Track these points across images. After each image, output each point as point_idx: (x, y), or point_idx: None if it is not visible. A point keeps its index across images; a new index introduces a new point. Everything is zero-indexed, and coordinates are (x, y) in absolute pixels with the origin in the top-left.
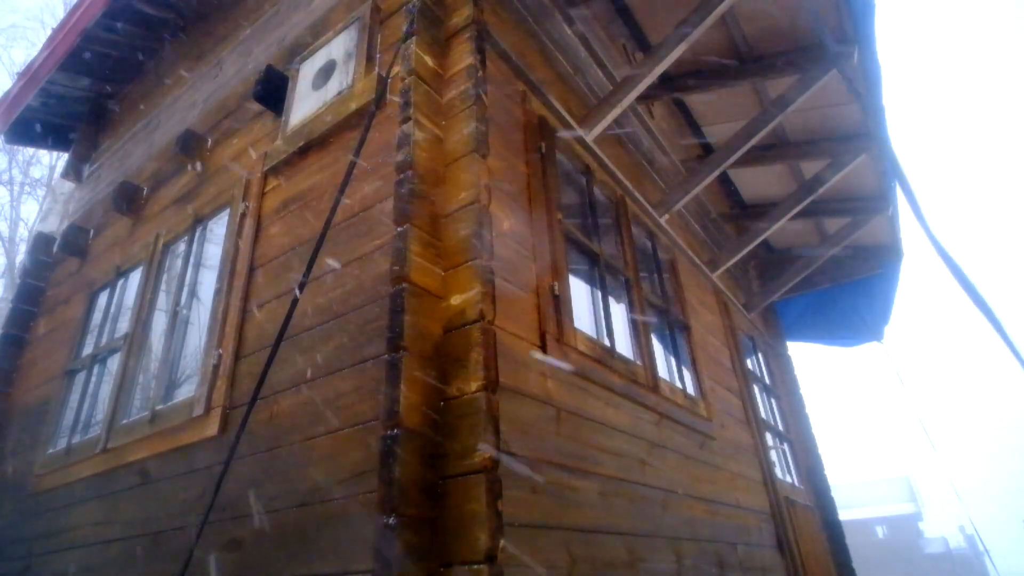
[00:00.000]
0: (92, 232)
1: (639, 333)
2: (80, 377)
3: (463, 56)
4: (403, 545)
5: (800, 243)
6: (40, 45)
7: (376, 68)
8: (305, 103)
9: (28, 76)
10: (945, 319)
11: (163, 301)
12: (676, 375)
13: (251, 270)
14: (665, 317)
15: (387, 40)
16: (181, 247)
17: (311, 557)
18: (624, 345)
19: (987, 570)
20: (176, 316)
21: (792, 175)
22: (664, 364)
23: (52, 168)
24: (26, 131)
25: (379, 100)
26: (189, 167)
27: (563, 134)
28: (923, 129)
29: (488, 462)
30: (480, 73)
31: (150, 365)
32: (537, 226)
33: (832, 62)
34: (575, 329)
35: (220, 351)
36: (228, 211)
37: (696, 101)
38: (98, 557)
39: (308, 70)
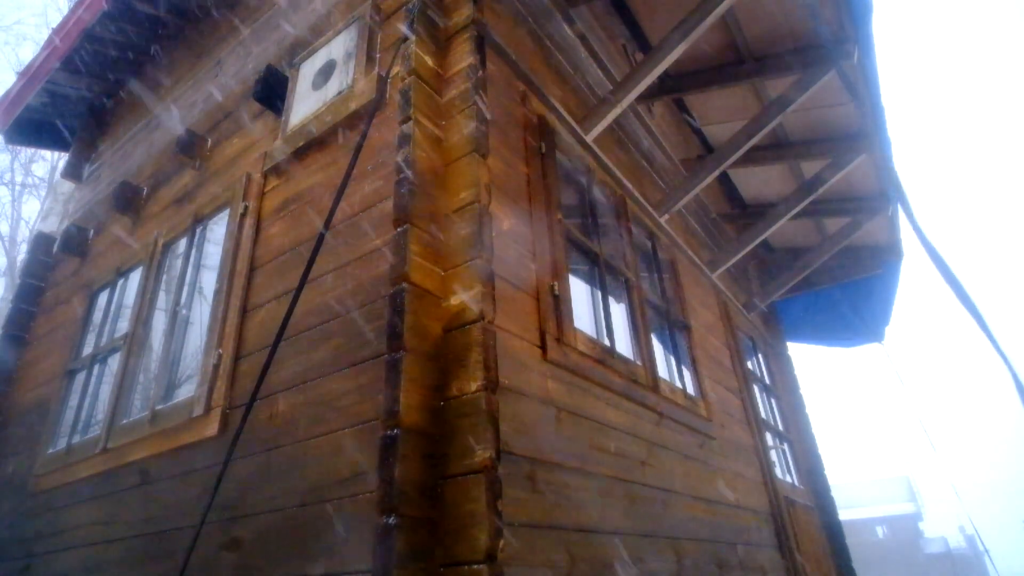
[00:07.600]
0: (92, 232)
1: (639, 333)
2: (80, 377)
3: (463, 56)
4: (403, 545)
5: (800, 243)
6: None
7: (376, 68)
8: (305, 103)
9: (29, 75)
10: (945, 319)
11: (163, 301)
12: (676, 375)
13: (251, 270)
14: (665, 317)
15: (387, 40)
16: (181, 247)
17: (311, 557)
18: (624, 345)
19: (987, 570)
20: (176, 316)
21: (792, 175)
22: (664, 364)
23: (54, 167)
24: (26, 130)
25: (379, 100)
26: (189, 167)
27: (563, 134)
28: (921, 129)
29: (488, 462)
30: (480, 73)
31: (150, 365)
32: (537, 226)
33: (831, 62)
34: (575, 329)
35: (220, 351)
36: (228, 211)
37: (696, 101)
38: (98, 557)
39: (308, 70)
